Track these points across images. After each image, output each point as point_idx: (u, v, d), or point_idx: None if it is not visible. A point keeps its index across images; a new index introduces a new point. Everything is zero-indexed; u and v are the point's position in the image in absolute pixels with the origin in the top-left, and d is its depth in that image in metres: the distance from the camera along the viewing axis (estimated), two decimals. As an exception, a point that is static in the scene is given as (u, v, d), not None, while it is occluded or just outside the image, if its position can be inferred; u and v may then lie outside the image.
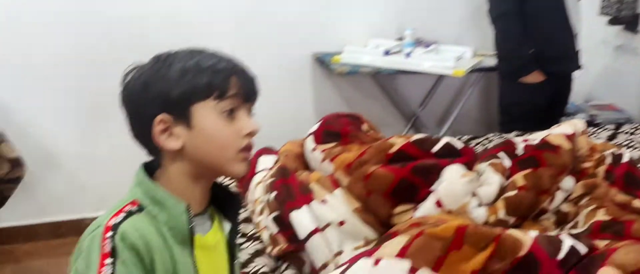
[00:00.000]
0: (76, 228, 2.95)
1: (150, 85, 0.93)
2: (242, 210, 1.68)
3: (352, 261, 1.25)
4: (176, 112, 0.93)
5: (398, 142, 1.62)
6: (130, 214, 0.91)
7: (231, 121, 0.94)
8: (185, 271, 0.93)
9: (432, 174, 1.55)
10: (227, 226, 1.06)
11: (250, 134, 0.96)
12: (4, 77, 2.66)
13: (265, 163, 2.01)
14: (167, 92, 0.92)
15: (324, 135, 1.83)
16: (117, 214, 0.90)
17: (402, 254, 1.19)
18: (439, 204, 1.51)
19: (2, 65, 2.65)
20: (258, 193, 1.84)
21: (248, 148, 0.96)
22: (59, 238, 2.93)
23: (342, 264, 1.26)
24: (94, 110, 2.75)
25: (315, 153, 1.79)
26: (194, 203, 0.97)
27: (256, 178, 1.92)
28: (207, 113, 0.93)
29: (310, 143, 1.83)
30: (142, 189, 0.94)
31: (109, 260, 0.85)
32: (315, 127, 1.90)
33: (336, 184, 1.64)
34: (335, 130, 1.84)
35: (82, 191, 2.94)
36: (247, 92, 0.96)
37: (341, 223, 1.54)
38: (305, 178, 1.69)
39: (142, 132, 0.96)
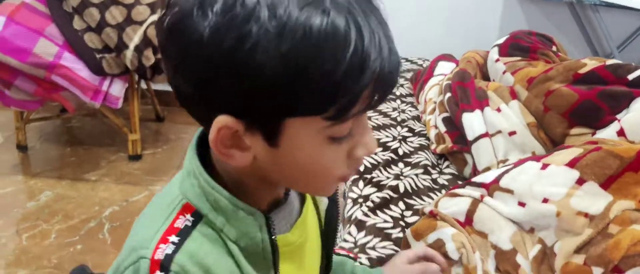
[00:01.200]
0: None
1: (218, 56, 0.51)
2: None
3: (519, 163, 1.25)
4: (254, 120, 0.55)
5: (590, 63, 1.53)
6: (185, 234, 0.59)
7: (340, 142, 0.58)
8: None
9: (622, 102, 1.46)
10: (324, 200, 0.75)
11: (362, 158, 0.62)
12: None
13: (444, 68, 2.01)
14: (243, 86, 0.52)
15: (510, 47, 1.79)
16: (165, 238, 0.58)
17: (572, 164, 1.16)
18: (621, 133, 1.43)
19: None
20: (432, 94, 1.87)
21: (353, 173, 0.63)
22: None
23: (507, 164, 1.26)
24: None
25: (497, 64, 1.76)
26: (269, 195, 0.67)
27: (432, 81, 1.94)
28: (306, 134, 0.56)
29: (494, 54, 1.80)
30: (197, 186, 0.61)
31: None
32: (502, 40, 1.85)
33: (514, 96, 1.61)
34: (524, 45, 1.79)
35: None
36: (379, 102, 0.57)
37: (512, 133, 1.52)
38: (484, 85, 1.67)
39: (190, 108, 0.59)
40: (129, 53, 2.32)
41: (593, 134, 1.47)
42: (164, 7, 0.55)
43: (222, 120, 0.55)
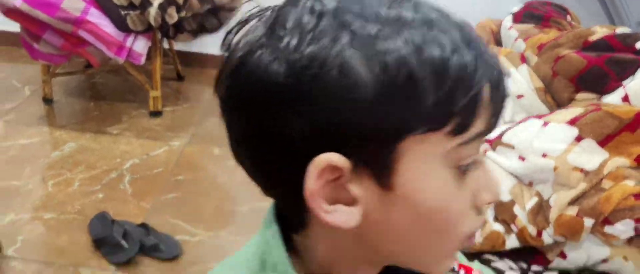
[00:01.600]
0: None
1: (299, 87, 0.41)
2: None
3: (522, 121, 1.30)
4: (361, 152, 0.42)
5: (600, 31, 1.57)
6: None
7: (463, 180, 0.45)
8: None
9: (628, 69, 1.50)
10: None
11: (486, 209, 0.51)
12: None
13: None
14: (343, 109, 0.40)
15: (524, 16, 1.83)
16: None
17: (572, 122, 1.21)
18: (625, 99, 1.47)
19: None
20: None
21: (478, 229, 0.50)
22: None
23: (512, 122, 1.32)
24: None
25: (510, 31, 1.80)
26: None
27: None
28: (428, 162, 0.43)
29: (508, 21, 1.84)
30: (270, 264, 0.48)
31: None
32: (516, 8, 1.89)
33: (524, 61, 1.65)
34: (538, 13, 1.82)
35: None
36: (497, 119, 0.46)
37: (520, 96, 1.57)
38: (496, 50, 1.72)
39: (270, 172, 0.46)
40: (153, 11, 2.39)
41: (598, 99, 1.51)
42: (225, 54, 0.45)
43: (324, 159, 0.41)
